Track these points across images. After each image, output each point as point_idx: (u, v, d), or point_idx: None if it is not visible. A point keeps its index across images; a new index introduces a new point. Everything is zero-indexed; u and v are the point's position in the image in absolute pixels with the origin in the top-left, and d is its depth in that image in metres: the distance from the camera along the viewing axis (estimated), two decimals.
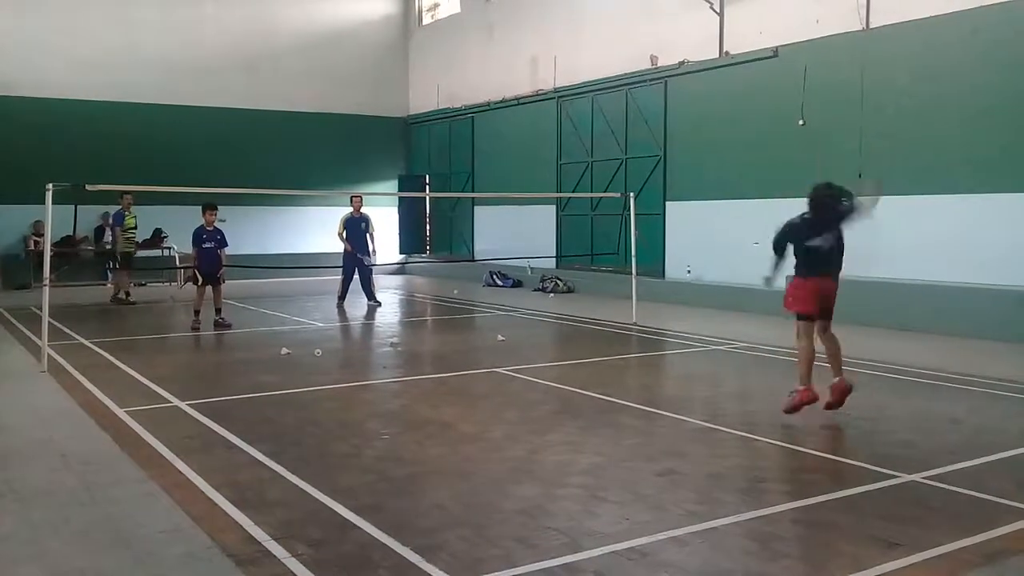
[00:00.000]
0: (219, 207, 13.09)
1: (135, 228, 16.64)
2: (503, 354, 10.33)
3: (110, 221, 19.09)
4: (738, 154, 15.01)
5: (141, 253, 20.20)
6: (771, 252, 7.25)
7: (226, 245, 12.93)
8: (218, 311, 12.79)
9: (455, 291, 18.15)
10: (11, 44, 19.48)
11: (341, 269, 15.69)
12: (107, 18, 20.43)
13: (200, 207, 12.98)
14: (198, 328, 12.47)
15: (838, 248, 7.10)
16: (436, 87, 23.11)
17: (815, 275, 6.96)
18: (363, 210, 15.67)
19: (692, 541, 4.43)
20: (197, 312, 12.67)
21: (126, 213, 16.49)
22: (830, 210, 7.10)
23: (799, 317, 7.01)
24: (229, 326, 12.58)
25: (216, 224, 12.83)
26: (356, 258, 15.49)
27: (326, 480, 5.39)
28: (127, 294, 16.38)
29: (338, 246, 15.77)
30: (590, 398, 7.86)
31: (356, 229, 15.48)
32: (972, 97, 11.82)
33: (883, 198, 7.71)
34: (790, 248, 7.20)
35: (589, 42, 18.27)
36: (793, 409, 6.81)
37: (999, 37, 11.53)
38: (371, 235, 15.56)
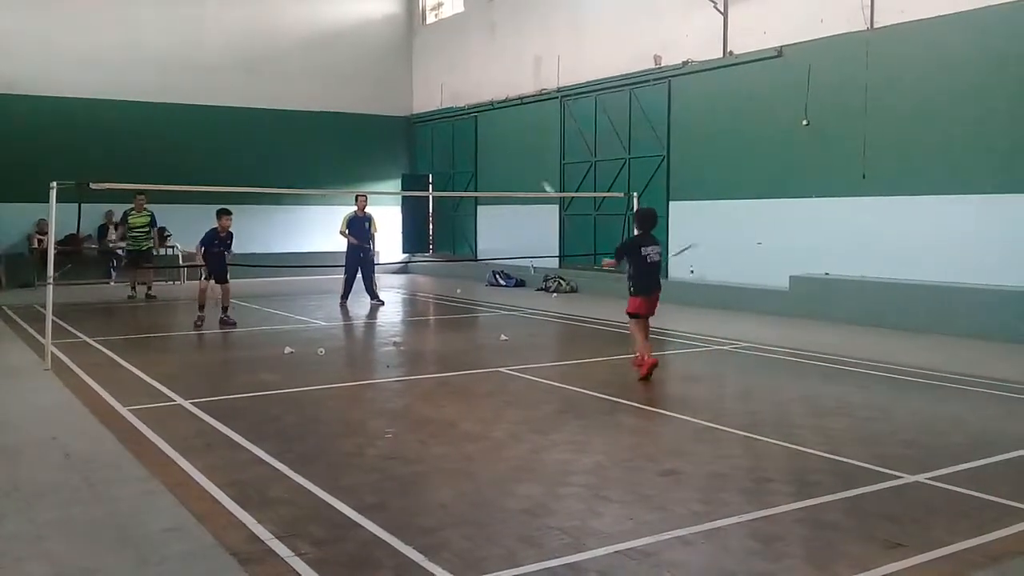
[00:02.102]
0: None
1: (144, 227, 16.70)
2: (506, 354, 10.34)
3: (114, 219, 19.22)
4: (742, 154, 15.00)
5: None
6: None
7: (230, 250, 13.07)
8: (224, 309, 12.82)
9: (458, 290, 18.15)
10: (14, 43, 19.51)
11: (344, 268, 15.72)
12: (110, 17, 20.45)
13: (208, 206, 12.98)
14: (201, 325, 12.50)
15: (659, 264, 9.07)
16: (440, 86, 23.12)
17: (646, 294, 8.93)
18: (367, 210, 15.68)
19: (695, 541, 4.43)
20: (201, 307, 12.73)
21: (132, 213, 16.65)
22: (653, 226, 9.08)
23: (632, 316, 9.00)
24: (234, 324, 12.60)
25: (229, 229, 12.85)
26: (359, 257, 15.52)
27: (329, 479, 5.39)
28: (133, 288, 16.63)
29: (341, 245, 15.80)
30: (593, 398, 7.87)
31: (360, 228, 15.50)
32: (977, 97, 11.80)
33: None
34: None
35: (592, 42, 18.27)
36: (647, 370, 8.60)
37: (1004, 37, 11.51)
38: (373, 235, 15.62)
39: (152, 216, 16.89)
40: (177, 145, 20.66)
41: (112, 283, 19.43)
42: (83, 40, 20.10)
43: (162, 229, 20.21)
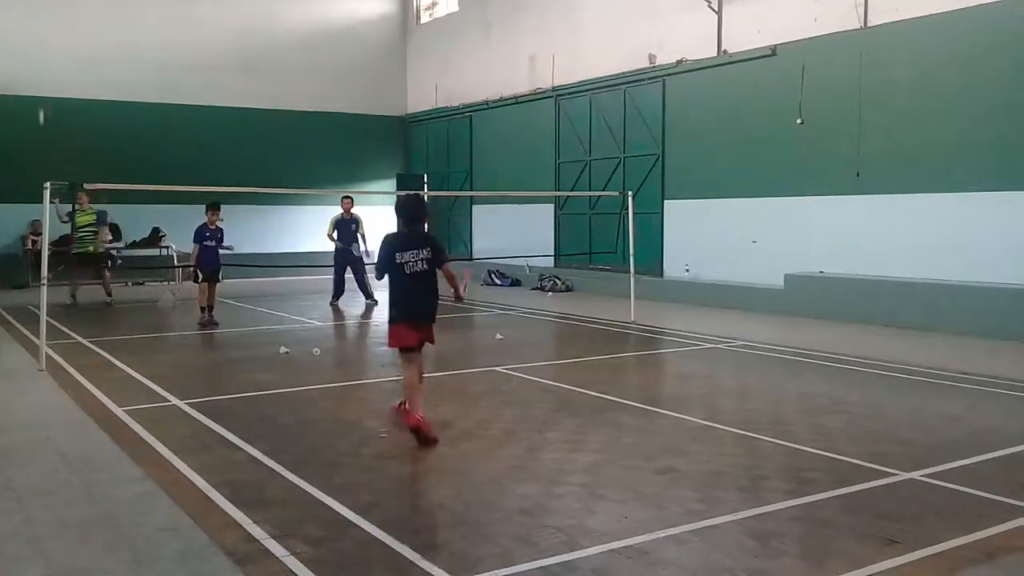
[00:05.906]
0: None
1: (90, 226, 15.34)
2: (501, 353, 10.34)
3: (64, 218, 17.62)
4: (736, 153, 15.02)
5: (140, 253, 20.14)
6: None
7: (223, 244, 12.93)
8: (210, 308, 12.73)
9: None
10: (11, 43, 19.45)
11: (333, 269, 15.74)
12: (107, 17, 20.41)
13: (204, 206, 12.91)
14: (205, 324, 12.49)
15: (427, 274, 6.42)
16: (434, 86, 23.10)
17: (411, 319, 6.42)
18: (356, 211, 15.69)
19: (691, 539, 4.43)
20: (203, 309, 12.71)
21: (78, 210, 15.10)
22: (418, 220, 6.67)
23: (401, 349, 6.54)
24: (216, 325, 12.53)
25: (218, 224, 12.82)
26: (347, 254, 15.52)
27: (325, 478, 5.39)
28: (73, 296, 15.31)
29: (333, 246, 15.79)
30: (589, 396, 7.87)
31: (346, 230, 15.52)
32: (970, 95, 11.83)
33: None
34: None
35: (587, 41, 18.27)
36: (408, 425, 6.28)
37: (997, 35, 11.54)
38: (362, 235, 15.61)
39: (98, 214, 15.48)
40: (172, 145, 20.61)
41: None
42: (79, 40, 20.04)
43: (156, 229, 19.99)
